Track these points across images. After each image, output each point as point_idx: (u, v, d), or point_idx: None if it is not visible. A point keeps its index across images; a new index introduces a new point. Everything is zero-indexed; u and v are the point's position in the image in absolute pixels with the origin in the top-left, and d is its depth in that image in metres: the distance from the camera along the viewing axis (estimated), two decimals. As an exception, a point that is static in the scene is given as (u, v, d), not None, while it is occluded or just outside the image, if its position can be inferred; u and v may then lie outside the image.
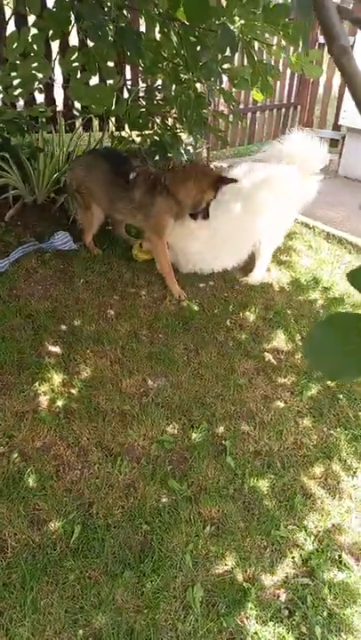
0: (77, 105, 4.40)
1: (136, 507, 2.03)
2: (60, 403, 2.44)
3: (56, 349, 2.75)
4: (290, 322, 3.32)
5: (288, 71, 6.21)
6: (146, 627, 1.65)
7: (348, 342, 0.70)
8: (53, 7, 3.40)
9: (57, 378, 2.57)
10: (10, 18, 3.73)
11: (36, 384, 2.52)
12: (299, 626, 1.74)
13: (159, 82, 4.27)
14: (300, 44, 2.76)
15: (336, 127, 6.35)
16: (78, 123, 4.48)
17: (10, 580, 1.72)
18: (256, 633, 1.70)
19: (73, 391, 2.53)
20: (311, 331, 0.71)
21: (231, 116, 4.63)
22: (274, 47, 3.30)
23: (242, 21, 2.76)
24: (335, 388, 2.84)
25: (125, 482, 2.14)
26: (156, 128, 4.42)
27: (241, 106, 5.95)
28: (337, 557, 1.98)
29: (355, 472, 2.36)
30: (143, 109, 4.16)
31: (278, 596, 1.83)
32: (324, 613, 1.79)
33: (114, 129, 4.58)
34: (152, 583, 1.77)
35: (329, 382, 2.86)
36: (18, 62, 3.37)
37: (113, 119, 4.54)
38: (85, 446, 2.26)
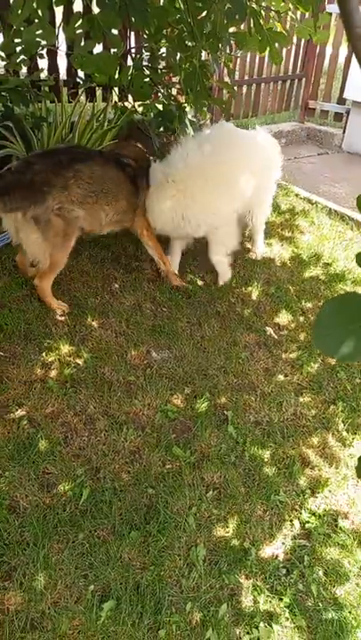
0: (81, 73, 4.34)
1: (141, 472, 2.12)
2: (66, 372, 2.50)
3: (62, 320, 2.79)
4: (292, 297, 3.37)
5: (294, 43, 6.09)
6: (152, 582, 1.75)
7: (355, 321, 0.73)
8: (58, -29, 3.33)
9: (63, 348, 2.62)
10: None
11: (43, 354, 2.58)
12: (296, 583, 1.85)
13: (163, 49, 4.19)
14: (311, 9, 2.70)
15: (341, 101, 6.27)
16: (81, 91, 4.41)
17: (23, 538, 1.81)
18: (256, 589, 1.80)
19: (79, 361, 2.58)
20: (319, 312, 0.74)
21: (235, 87, 4.56)
22: (283, 11, 3.23)
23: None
24: (335, 363, 2.91)
25: (131, 449, 2.22)
26: (160, 97, 4.36)
27: (245, 77, 5.85)
28: (333, 521, 2.08)
29: (351, 442, 2.45)
30: (147, 78, 4.10)
31: (277, 557, 1.93)
32: (320, 572, 1.89)
33: (117, 99, 4.52)
34: (157, 543, 1.87)
35: (329, 358, 2.93)
36: (22, 29, 3.30)
37: (116, 89, 4.47)
38: (92, 414, 2.33)
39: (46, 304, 2.81)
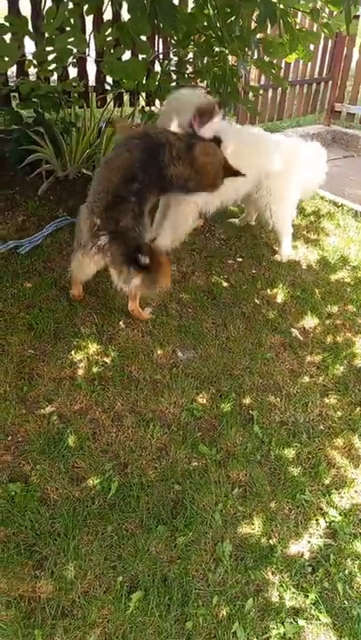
0: (109, 79, 4.43)
1: (168, 468, 2.15)
2: (95, 370, 2.56)
3: (90, 320, 2.85)
4: (317, 300, 3.37)
5: (320, 46, 6.09)
6: (179, 575, 1.78)
7: None
8: (89, -20, 3.42)
9: (91, 347, 2.68)
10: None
11: (72, 352, 2.64)
12: (322, 581, 1.85)
13: (191, 55, 4.25)
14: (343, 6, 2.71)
15: (368, 103, 6.24)
16: (109, 97, 4.51)
17: (54, 528, 1.86)
18: (281, 585, 1.82)
19: (107, 360, 2.64)
20: None
21: (262, 89, 4.58)
22: (309, 12, 3.25)
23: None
24: (361, 364, 2.91)
25: (157, 445, 2.26)
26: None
27: (275, 72, 5.86)
28: (358, 521, 2.07)
29: (378, 444, 2.43)
30: (174, 83, 4.16)
31: (303, 555, 1.94)
32: (346, 571, 1.89)
33: (144, 104, 4.59)
34: (184, 537, 1.90)
35: (355, 361, 2.93)
36: (54, 37, 3.41)
37: (143, 94, 4.55)
38: (119, 411, 2.38)
39: (143, 319, 2.89)
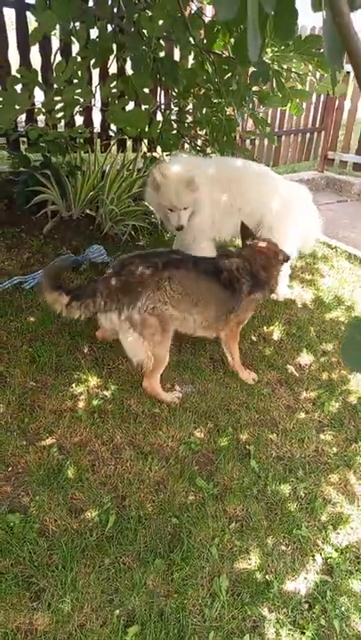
0: (113, 127, 4.67)
1: (166, 502, 2.17)
2: (95, 403, 2.60)
3: (91, 354, 2.92)
4: (312, 337, 3.45)
5: (313, 97, 6.44)
6: (175, 610, 1.78)
7: None
8: (97, 37, 3.68)
9: (92, 380, 2.74)
10: (58, 49, 4.01)
11: (73, 385, 2.70)
12: (318, 618, 1.85)
13: (191, 105, 4.51)
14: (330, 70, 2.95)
15: (360, 152, 6.54)
16: (112, 143, 4.73)
17: (51, 560, 1.87)
18: (278, 622, 1.81)
19: (107, 393, 2.69)
20: (348, 329, 0.85)
21: (258, 136, 4.83)
22: (302, 73, 3.50)
23: (274, 52, 2.96)
24: (355, 401, 2.96)
25: (155, 478, 2.28)
26: (186, 148, 4.65)
27: (268, 129, 6.18)
28: (355, 558, 2.08)
29: (373, 480, 2.46)
30: (175, 131, 4.40)
31: (299, 591, 1.94)
32: (343, 608, 1.89)
33: (146, 150, 4.82)
34: (181, 571, 1.90)
35: (350, 398, 2.98)
36: (63, 88, 3.63)
37: (145, 141, 4.78)
38: (118, 444, 2.41)
39: (160, 400, 2.70)
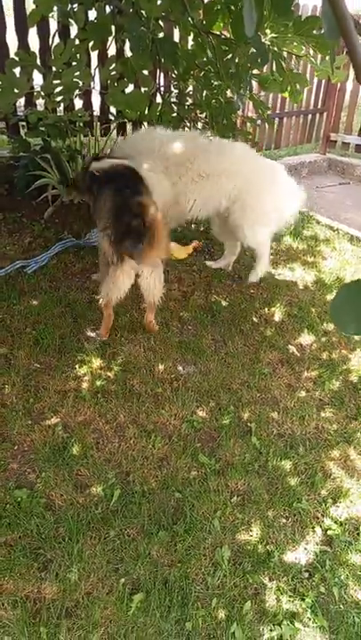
0: (113, 110, 4.65)
1: (169, 477, 2.22)
2: (98, 384, 2.65)
3: (94, 336, 2.96)
4: (314, 318, 3.48)
5: (315, 78, 6.37)
6: (179, 578, 1.84)
7: None
8: (95, 19, 3.66)
9: (95, 362, 2.78)
10: (56, 31, 3.98)
11: (76, 367, 2.74)
12: (318, 586, 1.91)
13: (190, 87, 4.48)
14: (329, 52, 2.93)
15: (362, 133, 6.49)
16: (113, 127, 4.72)
17: (58, 533, 1.93)
18: (278, 590, 1.87)
19: (110, 374, 2.73)
20: (337, 292, 0.88)
21: (259, 120, 4.81)
22: (303, 55, 3.48)
23: (273, 34, 2.95)
24: (356, 380, 2.99)
25: (159, 455, 2.33)
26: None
27: (268, 112, 6.13)
28: (354, 529, 2.13)
29: (373, 456, 2.50)
30: (175, 114, 4.38)
31: (299, 560, 1.99)
32: (342, 577, 1.95)
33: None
34: (184, 542, 1.96)
35: (350, 376, 3.02)
36: (61, 71, 3.62)
37: (145, 123, 4.76)
38: (122, 423, 2.46)
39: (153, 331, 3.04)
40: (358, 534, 2.12)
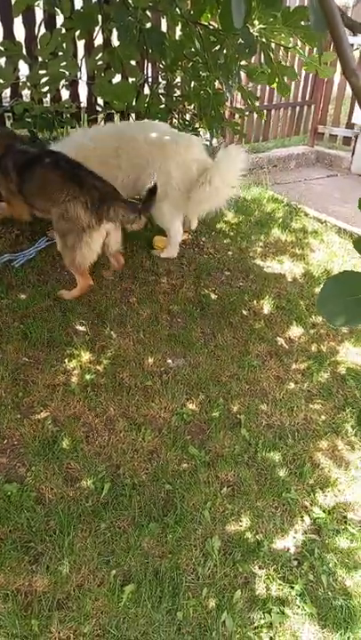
0: (100, 101, 4.61)
1: (159, 469, 2.23)
2: (87, 377, 2.64)
3: (83, 330, 2.95)
4: (302, 310, 3.50)
5: (303, 70, 6.36)
6: (170, 569, 1.86)
7: (352, 294, 0.89)
8: (81, 8, 3.61)
9: (84, 355, 2.77)
10: (42, 21, 3.92)
11: (66, 360, 2.73)
12: (307, 574, 1.94)
13: (179, 79, 4.46)
14: (316, 45, 2.94)
15: (350, 125, 6.50)
16: (100, 118, 4.68)
17: (49, 526, 1.93)
18: (268, 578, 1.90)
19: (99, 367, 2.73)
20: (324, 285, 0.89)
21: (248, 112, 4.80)
22: (291, 47, 3.47)
23: (261, 25, 2.93)
24: (344, 371, 3.03)
25: (149, 448, 2.34)
26: (175, 123, 4.61)
27: (256, 103, 6.12)
28: (342, 518, 2.17)
29: (360, 446, 2.54)
30: (163, 105, 4.35)
31: (288, 549, 2.02)
32: (330, 564, 1.98)
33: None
34: (174, 533, 1.97)
35: (338, 368, 3.05)
36: (48, 61, 3.57)
37: (133, 115, 4.73)
38: (112, 416, 2.47)
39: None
40: (346, 522, 2.16)
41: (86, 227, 2.82)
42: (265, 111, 6.20)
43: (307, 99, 6.65)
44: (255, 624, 1.76)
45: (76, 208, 2.82)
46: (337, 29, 0.80)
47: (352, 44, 6.04)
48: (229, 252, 4.01)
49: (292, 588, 1.87)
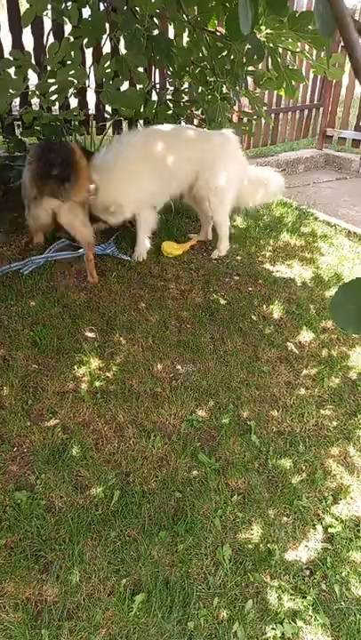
0: (108, 108, 4.63)
1: (169, 477, 2.22)
2: (97, 384, 2.64)
3: (92, 336, 2.95)
4: (312, 315, 3.47)
5: (311, 73, 6.35)
6: (180, 578, 1.84)
7: None
8: (89, 17, 3.63)
9: (93, 362, 2.77)
10: (50, 30, 3.96)
11: (75, 367, 2.73)
12: (319, 584, 1.91)
13: (186, 85, 4.46)
14: (324, 49, 2.93)
15: (358, 128, 6.47)
16: (108, 125, 4.70)
17: (59, 534, 1.93)
18: (280, 588, 1.87)
19: (108, 374, 2.73)
20: (336, 292, 0.88)
21: (255, 115, 4.79)
22: (298, 51, 3.47)
23: (268, 30, 2.93)
24: (355, 376, 2.99)
25: (158, 455, 2.33)
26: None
27: (264, 107, 6.11)
28: (355, 526, 2.13)
29: (373, 452, 2.50)
30: (171, 111, 4.36)
31: (300, 558, 2.00)
32: (343, 574, 1.95)
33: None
34: (185, 542, 1.96)
35: (350, 373, 3.02)
36: (56, 70, 3.60)
37: (141, 121, 4.75)
38: (121, 423, 2.46)
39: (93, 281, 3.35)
40: (359, 531, 2.12)
41: (31, 198, 3.04)
42: (273, 115, 6.22)
43: (315, 102, 6.64)
44: (267, 635, 1.73)
45: (26, 174, 3.09)
46: (348, 33, 0.79)
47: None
48: (238, 257, 4.00)
49: (305, 598, 1.85)
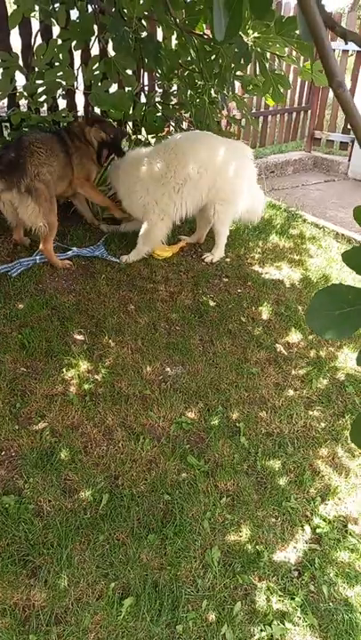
0: (97, 110, 4.62)
1: (158, 479, 2.22)
2: (86, 387, 2.63)
3: (81, 339, 2.94)
4: (301, 316, 3.49)
5: (299, 77, 6.39)
6: (169, 581, 1.84)
7: (340, 307, 0.88)
8: (77, 19, 3.63)
9: (82, 364, 2.76)
10: (38, 31, 3.94)
11: (64, 370, 2.72)
12: (308, 585, 1.92)
13: (175, 87, 4.47)
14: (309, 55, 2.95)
15: (346, 131, 6.53)
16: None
17: (47, 539, 1.92)
18: (268, 589, 1.88)
19: (97, 377, 2.72)
20: (313, 298, 0.89)
21: (243, 120, 4.82)
22: (286, 56, 3.49)
23: (255, 35, 2.94)
24: (343, 378, 3.01)
25: (147, 458, 2.33)
26: (171, 130, 4.62)
27: (253, 110, 6.14)
28: (342, 527, 2.15)
29: (360, 453, 2.52)
30: (159, 114, 4.36)
31: (289, 560, 2.00)
32: (331, 575, 1.96)
33: (131, 132, 4.78)
34: (174, 545, 1.96)
35: (337, 374, 3.04)
36: (44, 71, 3.59)
37: (130, 123, 4.74)
38: (110, 426, 2.45)
39: (53, 264, 3.46)
40: (347, 532, 2.14)
41: None
42: (262, 117, 6.25)
43: (303, 104, 6.68)
44: (256, 637, 1.74)
45: None
46: (321, 42, 0.80)
47: (346, 51, 6.08)
48: (227, 259, 4.01)
49: (293, 599, 1.85)
